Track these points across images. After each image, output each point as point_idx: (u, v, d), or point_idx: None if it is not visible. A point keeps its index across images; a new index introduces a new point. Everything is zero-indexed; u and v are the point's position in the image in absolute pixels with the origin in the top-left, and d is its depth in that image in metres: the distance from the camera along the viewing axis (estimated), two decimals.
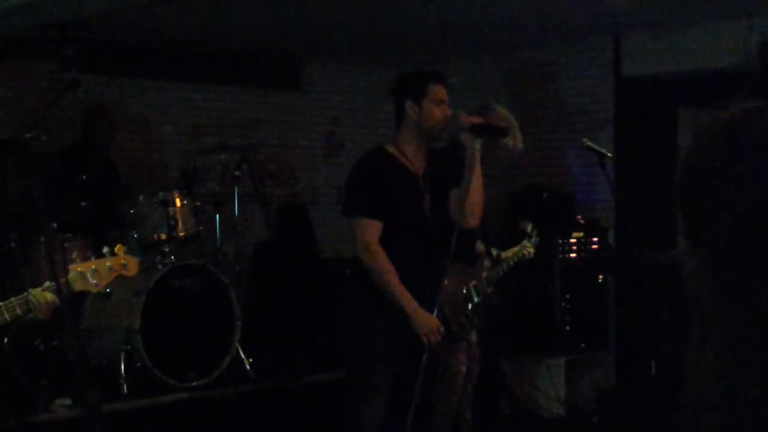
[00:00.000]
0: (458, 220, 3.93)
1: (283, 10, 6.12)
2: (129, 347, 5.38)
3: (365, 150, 4.18)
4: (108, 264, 3.18)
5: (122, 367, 5.36)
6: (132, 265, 3.24)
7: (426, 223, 4.00)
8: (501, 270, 4.68)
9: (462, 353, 4.59)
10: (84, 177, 6.15)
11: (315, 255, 7.55)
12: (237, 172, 6.38)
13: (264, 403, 5.66)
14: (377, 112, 7.90)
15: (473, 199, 3.96)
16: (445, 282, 3.96)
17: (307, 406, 5.71)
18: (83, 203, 5.94)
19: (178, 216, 5.79)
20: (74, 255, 3.38)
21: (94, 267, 3.14)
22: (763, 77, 2.85)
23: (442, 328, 3.93)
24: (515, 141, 4.48)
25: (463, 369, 4.61)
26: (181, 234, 5.81)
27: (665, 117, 7.18)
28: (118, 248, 3.21)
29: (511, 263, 4.75)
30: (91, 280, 3.13)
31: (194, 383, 5.48)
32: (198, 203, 5.98)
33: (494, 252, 4.82)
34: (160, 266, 5.65)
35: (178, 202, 5.82)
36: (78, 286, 3.13)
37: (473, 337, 4.65)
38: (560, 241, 6.53)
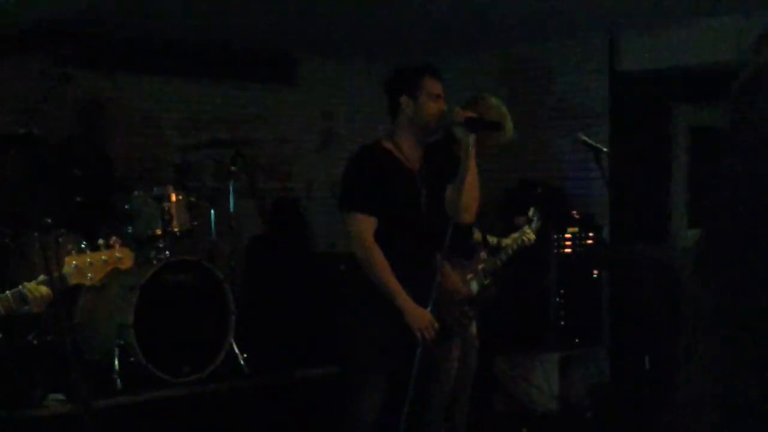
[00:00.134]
0: (454, 216, 3.93)
1: (278, 6, 6.11)
2: (123, 342, 5.36)
3: (360, 145, 4.17)
4: (103, 257, 3.17)
5: (116, 362, 5.34)
6: (127, 257, 3.23)
7: (422, 218, 4.00)
8: (500, 260, 4.67)
9: (456, 348, 4.59)
10: (79, 172, 6.13)
11: (309, 249, 7.56)
12: (232, 168, 6.38)
13: (259, 398, 5.65)
14: (372, 107, 7.89)
15: (468, 194, 3.96)
16: (440, 278, 3.96)
17: (302, 401, 5.71)
18: (78, 198, 5.93)
19: (173, 211, 5.79)
20: (69, 249, 3.37)
21: (89, 260, 3.14)
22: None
23: (435, 324, 3.93)
24: (507, 132, 4.48)
25: (456, 364, 4.61)
26: (176, 229, 5.80)
27: (660, 112, 7.20)
28: (113, 241, 3.20)
29: (510, 252, 4.74)
30: (86, 273, 3.13)
31: (188, 378, 5.47)
32: (193, 198, 5.98)
33: (494, 240, 4.82)
34: (154, 261, 5.64)
35: (173, 197, 5.82)
36: (73, 279, 3.12)
37: (473, 329, 4.65)
38: (555, 236, 6.52)
